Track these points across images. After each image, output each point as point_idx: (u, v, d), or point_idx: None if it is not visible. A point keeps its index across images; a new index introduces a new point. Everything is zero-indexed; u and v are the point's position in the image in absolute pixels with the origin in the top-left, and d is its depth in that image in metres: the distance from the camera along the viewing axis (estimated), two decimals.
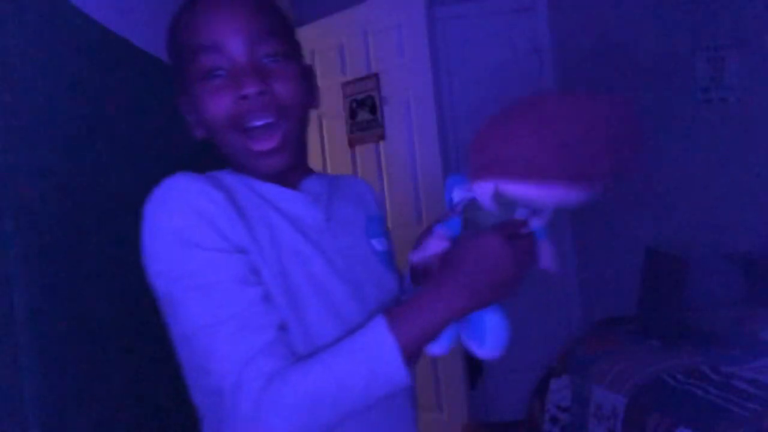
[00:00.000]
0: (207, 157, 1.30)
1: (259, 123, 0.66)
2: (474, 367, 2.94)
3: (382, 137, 2.65)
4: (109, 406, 0.80)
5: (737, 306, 2.93)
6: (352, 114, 2.72)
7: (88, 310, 0.77)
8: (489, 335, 0.67)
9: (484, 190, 0.66)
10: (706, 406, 1.81)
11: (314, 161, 2.81)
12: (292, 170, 0.73)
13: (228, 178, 0.70)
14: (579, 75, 3.20)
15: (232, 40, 0.65)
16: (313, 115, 3.21)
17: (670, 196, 3.22)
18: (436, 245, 0.69)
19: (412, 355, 0.62)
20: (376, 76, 2.62)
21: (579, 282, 3.22)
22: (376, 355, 0.59)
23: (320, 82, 3.03)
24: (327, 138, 2.83)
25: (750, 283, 3.11)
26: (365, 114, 2.69)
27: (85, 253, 0.78)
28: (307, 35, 2.76)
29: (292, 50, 0.70)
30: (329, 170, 2.82)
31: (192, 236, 0.60)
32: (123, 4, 1.01)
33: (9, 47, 0.66)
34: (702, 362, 2.12)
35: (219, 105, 0.65)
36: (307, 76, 0.73)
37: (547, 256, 0.71)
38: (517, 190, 0.65)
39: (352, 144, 2.75)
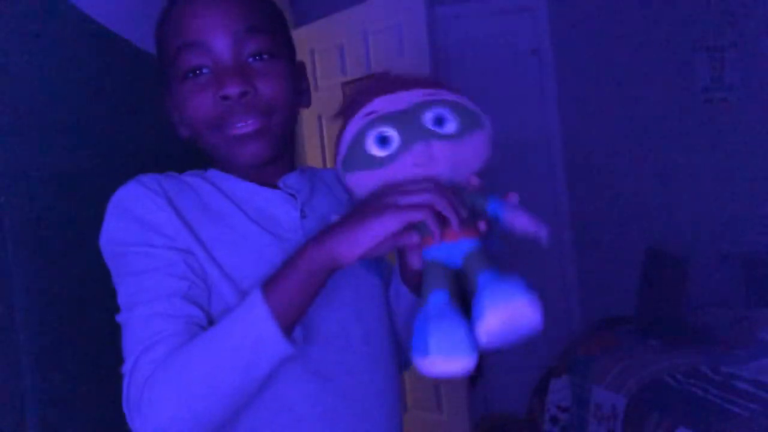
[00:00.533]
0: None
1: (240, 128, 0.65)
2: (474, 367, 2.94)
3: None
4: (108, 406, 0.80)
5: (737, 306, 2.93)
6: None
7: (88, 310, 0.77)
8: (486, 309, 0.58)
9: None
10: (706, 406, 1.81)
11: (314, 161, 2.81)
12: (273, 165, 0.71)
13: (196, 179, 0.70)
14: (579, 75, 3.20)
15: (216, 38, 0.63)
16: (314, 115, 3.20)
17: (670, 196, 3.22)
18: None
19: (290, 322, 0.57)
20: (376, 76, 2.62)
21: (579, 282, 3.21)
22: (249, 325, 0.55)
23: (320, 82, 3.03)
24: (327, 138, 2.83)
25: (750, 283, 3.11)
26: None
27: (85, 253, 0.78)
28: (307, 35, 2.76)
29: (281, 47, 0.68)
30: None
31: (126, 237, 0.63)
32: (123, 4, 1.01)
33: (9, 47, 0.66)
34: (702, 362, 2.12)
35: (201, 105, 0.64)
36: (296, 75, 0.72)
37: (523, 221, 0.60)
38: None
39: None
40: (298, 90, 0.72)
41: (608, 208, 3.21)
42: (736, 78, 3.25)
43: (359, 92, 0.63)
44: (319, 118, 2.82)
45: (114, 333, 0.82)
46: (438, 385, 2.54)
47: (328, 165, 2.84)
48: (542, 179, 3.24)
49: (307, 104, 0.75)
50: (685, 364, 2.12)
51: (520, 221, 0.60)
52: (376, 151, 0.60)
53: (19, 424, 0.63)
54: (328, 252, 0.56)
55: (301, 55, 2.80)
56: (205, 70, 0.64)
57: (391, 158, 0.60)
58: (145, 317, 0.59)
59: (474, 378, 2.94)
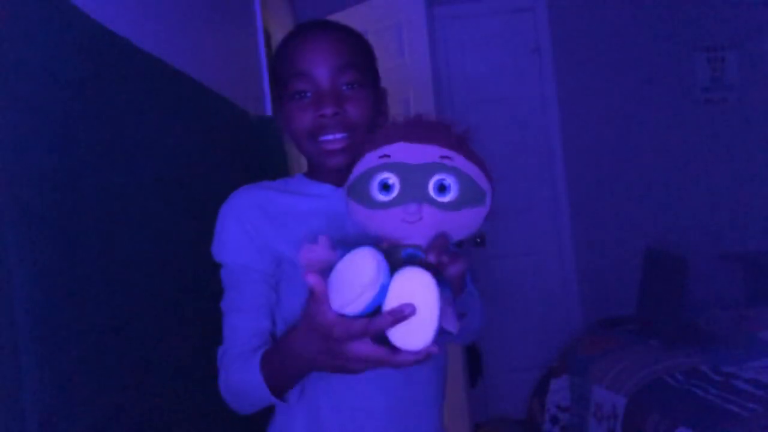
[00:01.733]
0: (207, 156, 1.30)
1: (330, 137, 0.81)
2: (474, 367, 2.94)
3: None
4: (109, 406, 0.80)
5: (737, 306, 2.93)
6: None
7: (89, 309, 0.77)
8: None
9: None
10: (706, 406, 1.81)
11: None
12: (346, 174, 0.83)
13: (279, 186, 0.89)
14: (579, 75, 3.20)
15: (318, 70, 0.81)
16: None
17: (670, 196, 3.22)
18: (321, 254, 0.66)
19: (284, 387, 0.76)
20: None
21: (579, 282, 3.22)
22: (253, 383, 0.75)
23: None
24: None
25: (750, 283, 3.12)
26: None
27: (85, 253, 0.78)
28: None
29: (368, 78, 0.85)
30: None
31: (226, 256, 0.84)
32: (123, 4, 1.01)
33: (8, 47, 0.66)
34: (702, 362, 2.12)
35: (302, 120, 0.82)
36: (378, 99, 0.87)
37: (448, 319, 0.62)
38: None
39: None
40: (379, 111, 0.88)
41: (608, 208, 3.22)
42: (736, 78, 3.25)
43: (389, 128, 0.69)
44: None
45: (114, 333, 0.82)
46: None
47: None
48: (542, 179, 3.24)
49: (383, 123, 0.87)
50: (685, 364, 2.12)
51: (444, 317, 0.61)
52: (376, 194, 0.66)
53: (19, 423, 0.63)
54: (313, 368, 0.71)
55: None
56: (308, 94, 0.82)
57: (385, 205, 0.65)
58: (232, 325, 0.82)
59: (474, 378, 2.94)
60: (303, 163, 0.94)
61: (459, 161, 0.65)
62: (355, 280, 0.59)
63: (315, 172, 0.90)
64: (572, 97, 3.21)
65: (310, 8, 2.98)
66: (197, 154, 1.24)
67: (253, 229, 0.83)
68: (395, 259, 0.63)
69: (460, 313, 0.78)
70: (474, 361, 2.95)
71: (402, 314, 0.58)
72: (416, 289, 0.58)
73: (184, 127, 1.19)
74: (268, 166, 1.85)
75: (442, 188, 0.64)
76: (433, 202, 0.64)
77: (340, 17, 2.75)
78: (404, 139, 0.66)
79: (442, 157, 0.65)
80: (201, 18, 1.46)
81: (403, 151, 0.65)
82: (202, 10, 1.47)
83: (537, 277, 3.21)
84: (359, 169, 0.68)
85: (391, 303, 0.59)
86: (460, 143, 0.68)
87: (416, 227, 0.65)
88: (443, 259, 0.63)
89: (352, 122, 0.82)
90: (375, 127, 0.83)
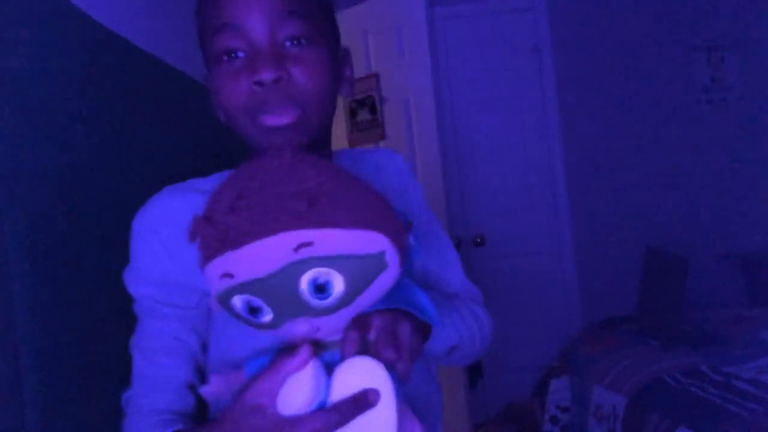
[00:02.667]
0: (207, 155, 1.30)
1: (274, 119, 0.61)
2: (474, 367, 2.94)
3: (382, 137, 2.65)
4: (109, 406, 0.80)
5: (737, 306, 2.93)
6: (352, 114, 2.72)
7: (89, 309, 0.77)
8: None
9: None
10: (706, 406, 1.81)
11: None
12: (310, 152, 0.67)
13: (213, 184, 0.67)
14: (579, 75, 3.20)
15: (251, 20, 0.60)
16: None
17: (670, 196, 3.22)
18: (226, 384, 0.55)
19: None
20: (376, 76, 2.62)
21: (579, 282, 3.22)
22: None
23: None
24: None
25: (750, 283, 3.11)
26: (365, 114, 2.69)
27: (85, 253, 0.78)
28: None
29: (321, 33, 0.64)
30: None
31: (136, 288, 0.67)
32: (123, 4, 1.00)
33: (8, 47, 0.66)
34: (702, 362, 2.12)
35: (234, 90, 0.61)
36: (337, 63, 0.67)
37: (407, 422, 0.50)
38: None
39: (352, 144, 2.75)
40: (339, 78, 0.68)
41: (608, 208, 3.22)
42: (736, 78, 3.25)
43: (210, 220, 0.47)
44: None
45: (114, 333, 0.82)
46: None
47: None
48: (542, 179, 3.24)
49: (348, 93, 0.71)
50: (685, 364, 2.12)
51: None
52: (249, 317, 0.48)
53: (19, 423, 0.63)
54: None
55: None
56: (240, 54, 0.61)
57: (270, 326, 0.49)
58: (138, 370, 0.65)
59: (474, 378, 2.94)
60: None
61: (326, 241, 0.45)
62: (295, 398, 0.48)
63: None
64: (572, 97, 3.20)
65: None
66: (196, 153, 1.24)
67: (167, 249, 0.63)
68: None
69: (450, 346, 0.72)
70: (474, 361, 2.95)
71: (358, 405, 0.47)
72: (366, 384, 0.48)
73: (183, 127, 1.19)
74: None
75: (321, 289, 0.46)
76: (318, 311, 0.47)
77: (340, 17, 2.75)
78: (237, 242, 0.45)
79: (300, 246, 0.44)
80: None
81: (244, 263, 0.45)
82: None
83: (537, 277, 3.21)
84: (210, 284, 0.49)
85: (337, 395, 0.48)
86: (320, 205, 0.46)
87: (320, 334, 0.50)
88: (388, 355, 0.49)
89: (301, 92, 0.61)
90: (333, 100, 0.66)
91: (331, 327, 0.50)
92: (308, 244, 0.45)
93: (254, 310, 0.47)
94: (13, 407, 0.62)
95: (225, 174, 0.67)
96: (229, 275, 0.46)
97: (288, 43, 0.61)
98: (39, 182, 0.69)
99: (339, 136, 2.78)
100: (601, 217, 3.21)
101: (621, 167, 3.21)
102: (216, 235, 0.47)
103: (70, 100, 0.77)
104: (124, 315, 0.86)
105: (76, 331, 0.73)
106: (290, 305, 0.47)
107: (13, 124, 0.65)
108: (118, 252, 0.86)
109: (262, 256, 0.45)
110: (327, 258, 0.45)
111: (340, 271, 0.46)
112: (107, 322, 0.81)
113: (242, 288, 0.46)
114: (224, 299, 0.48)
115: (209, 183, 0.67)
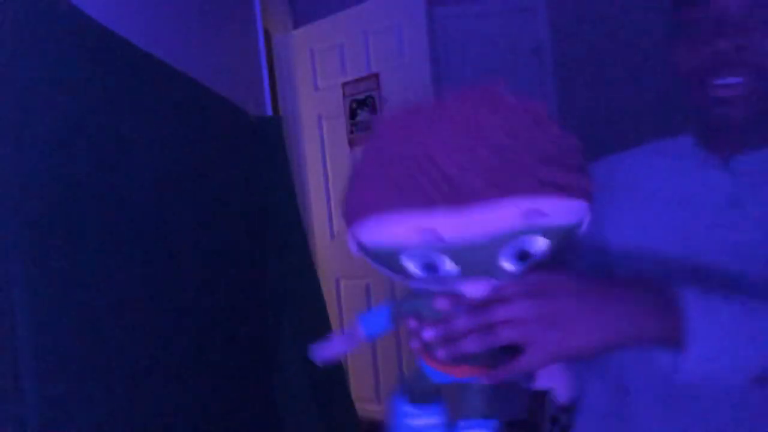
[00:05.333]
0: (206, 156, 1.30)
1: (725, 82, 0.58)
2: None
3: None
4: (109, 407, 0.80)
5: None
6: (353, 114, 2.72)
7: (88, 310, 0.77)
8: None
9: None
10: None
11: (313, 163, 2.81)
12: (744, 137, 0.63)
13: (634, 158, 0.71)
14: (579, 75, 3.20)
15: None
16: (313, 115, 3.20)
17: None
18: (344, 344, 0.52)
19: None
20: (376, 76, 2.62)
21: None
22: None
23: (320, 82, 3.04)
24: (327, 138, 2.83)
25: None
26: (365, 114, 2.69)
27: (85, 254, 0.78)
28: (307, 35, 2.76)
29: None
30: (329, 171, 2.82)
31: None
32: (123, 4, 1.00)
33: (8, 47, 0.66)
34: None
35: (690, 58, 0.61)
36: None
37: (556, 380, 0.45)
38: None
39: (352, 144, 2.75)
40: None
41: None
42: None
43: (425, 161, 0.38)
44: (319, 118, 2.82)
45: (114, 333, 0.82)
46: None
47: (328, 166, 2.84)
48: None
49: None
50: None
51: (556, 384, 0.46)
52: (416, 273, 0.42)
53: (19, 423, 0.63)
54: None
55: (301, 55, 2.81)
56: (699, 21, 0.59)
57: (431, 282, 0.43)
58: None
59: None
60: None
61: (554, 211, 0.40)
62: None
63: (704, 137, 0.69)
64: (572, 97, 3.20)
65: (310, 8, 2.97)
66: (196, 154, 1.24)
67: None
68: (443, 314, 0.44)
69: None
70: None
71: None
72: None
73: (184, 127, 1.19)
74: (268, 166, 1.85)
75: (524, 256, 0.42)
76: (506, 276, 0.42)
77: (340, 17, 2.75)
78: (458, 198, 0.37)
79: (529, 212, 0.39)
80: (201, 18, 1.46)
81: (459, 225, 0.38)
82: (202, 11, 1.47)
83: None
84: (379, 234, 0.41)
85: None
86: (555, 169, 0.40)
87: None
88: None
89: (758, 61, 0.56)
90: None
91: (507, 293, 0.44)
92: (539, 212, 0.39)
93: (431, 267, 0.41)
94: (13, 407, 0.62)
95: (675, 140, 0.72)
96: (434, 232, 0.38)
97: (754, 11, 0.57)
98: (39, 183, 0.69)
99: (340, 137, 2.78)
100: None
101: None
102: (436, 181, 0.37)
103: (70, 101, 0.77)
104: (123, 315, 0.86)
105: (75, 332, 0.73)
106: (481, 267, 0.41)
107: (12, 124, 0.65)
108: (118, 252, 0.86)
109: (486, 220, 0.38)
110: (549, 227, 0.40)
111: (551, 239, 0.41)
112: (107, 322, 0.81)
113: (442, 249, 0.40)
114: (399, 252, 0.41)
115: (654, 146, 0.71)
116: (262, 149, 1.80)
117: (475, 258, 0.40)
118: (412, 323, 0.46)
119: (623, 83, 3.21)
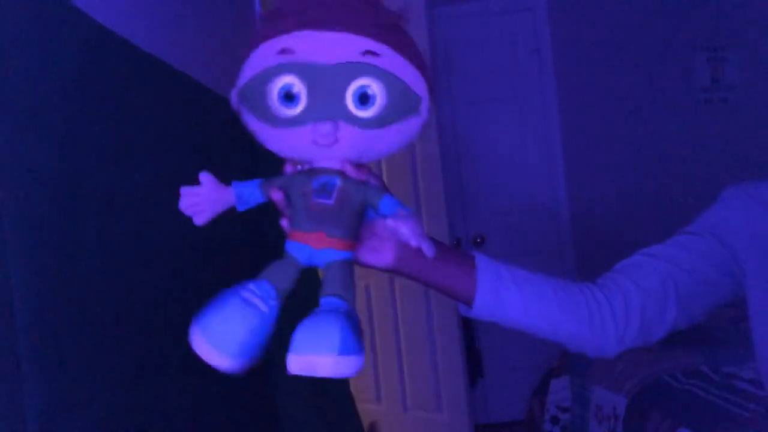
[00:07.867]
0: (206, 156, 1.30)
1: None
2: (474, 367, 2.94)
3: None
4: (109, 406, 0.80)
5: (737, 306, 2.93)
6: None
7: (88, 310, 0.77)
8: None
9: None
10: (706, 406, 1.81)
11: None
12: None
13: None
14: (579, 75, 3.20)
15: None
16: None
17: (669, 195, 3.22)
18: (212, 198, 0.57)
19: None
20: None
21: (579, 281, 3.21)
22: None
23: None
24: None
25: None
26: None
27: (84, 253, 0.78)
28: None
29: None
30: None
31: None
32: (123, 4, 1.01)
33: (8, 47, 0.66)
34: (702, 362, 2.12)
35: None
36: None
37: (405, 232, 0.50)
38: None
39: None
40: None
41: (608, 208, 3.21)
42: (736, 78, 3.25)
43: (288, 3, 0.50)
44: None
45: (114, 333, 0.82)
46: (438, 385, 2.54)
47: None
48: (542, 179, 3.24)
49: None
50: (686, 364, 2.12)
51: (403, 231, 0.50)
52: (277, 106, 0.50)
53: (19, 424, 0.63)
54: None
55: None
56: None
57: (288, 123, 0.50)
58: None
59: (474, 378, 2.94)
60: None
61: (388, 58, 0.49)
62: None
63: None
64: (572, 97, 3.20)
65: None
66: (196, 154, 1.24)
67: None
68: (305, 189, 0.52)
69: None
70: (474, 361, 2.95)
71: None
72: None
73: (184, 127, 1.19)
74: (268, 167, 1.85)
75: (364, 98, 0.49)
76: (351, 119, 0.49)
77: None
78: (311, 24, 0.48)
79: (366, 52, 0.48)
80: (201, 18, 1.46)
81: (310, 44, 0.48)
82: (202, 10, 1.47)
83: None
84: (252, 66, 0.51)
85: None
86: (391, 29, 0.50)
87: (331, 151, 0.51)
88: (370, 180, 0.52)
89: None
90: None
91: (342, 149, 0.51)
92: (375, 54, 0.49)
93: (289, 96, 0.49)
94: (13, 407, 0.62)
95: None
96: (291, 51, 0.49)
97: None
98: (39, 182, 0.69)
99: None
100: (601, 217, 3.21)
101: (621, 167, 3.21)
102: (290, 17, 0.49)
103: (70, 100, 0.77)
104: (123, 314, 0.86)
105: (76, 331, 0.73)
106: (330, 104, 0.49)
107: (12, 124, 0.66)
108: (118, 252, 0.86)
109: (333, 45, 0.48)
110: (383, 73, 0.49)
111: (387, 89, 0.49)
112: (107, 321, 0.81)
113: (294, 67, 0.49)
114: (264, 80, 0.50)
115: None
116: (263, 150, 1.80)
117: (325, 88, 0.48)
118: (278, 195, 0.55)
119: (623, 83, 3.21)
